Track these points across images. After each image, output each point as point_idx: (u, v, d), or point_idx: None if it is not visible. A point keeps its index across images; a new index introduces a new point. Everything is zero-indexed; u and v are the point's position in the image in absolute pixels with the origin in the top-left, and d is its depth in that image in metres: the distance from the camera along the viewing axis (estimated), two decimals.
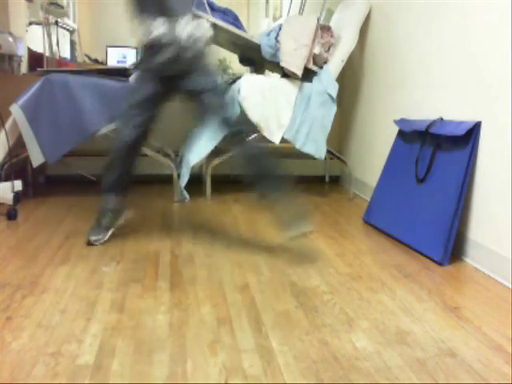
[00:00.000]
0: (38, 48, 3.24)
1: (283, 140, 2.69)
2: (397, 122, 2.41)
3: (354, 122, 3.15)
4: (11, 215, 2.22)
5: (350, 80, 3.18)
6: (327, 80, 2.71)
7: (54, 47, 3.32)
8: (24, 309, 1.35)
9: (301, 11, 3.19)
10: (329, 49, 2.77)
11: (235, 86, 2.65)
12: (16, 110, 2.35)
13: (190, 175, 2.63)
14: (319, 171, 3.41)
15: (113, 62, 4.29)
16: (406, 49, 2.45)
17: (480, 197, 1.86)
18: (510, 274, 1.66)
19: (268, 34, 2.77)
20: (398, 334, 1.30)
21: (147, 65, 1.88)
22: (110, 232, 1.99)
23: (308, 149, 2.71)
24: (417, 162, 2.15)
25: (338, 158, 3.08)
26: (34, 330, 1.24)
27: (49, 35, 3.20)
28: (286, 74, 2.75)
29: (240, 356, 1.16)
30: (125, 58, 4.33)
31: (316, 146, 2.71)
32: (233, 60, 3.49)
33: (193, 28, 1.80)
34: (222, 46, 3.21)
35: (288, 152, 2.82)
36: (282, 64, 2.65)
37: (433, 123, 2.08)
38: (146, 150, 2.50)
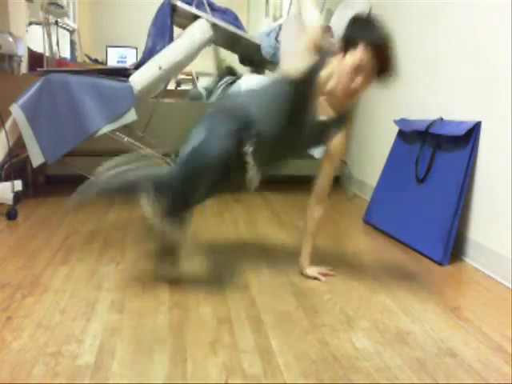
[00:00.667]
0: (38, 48, 3.24)
1: None
2: (397, 122, 2.41)
3: (354, 122, 3.14)
4: (11, 215, 2.22)
5: None
6: None
7: (54, 47, 3.32)
8: (24, 309, 1.35)
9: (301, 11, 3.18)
10: None
11: (235, 86, 2.65)
12: (16, 110, 2.34)
13: None
14: None
15: (113, 62, 4.30)
16: (406, 49, 2.44)
17: (480, 197, 1.85)
18: (510, 274, 1.66)
19: (268, 34, 2.77)
20: (397, 333, 1.30)
21: None
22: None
23: None
24: (417, 162, 2.15)
25: None
26: (34, 330, 1.24)
27: (49, 35, 3.20)
28: None
29: (240, 356, 1.16)
30: (125, 58, 4.34)
31: None
32: (233, 60, 3.49)
33: None
34: (221, 46, 3.21)
35: None
36: (282, 64, 2.65)
37: (433, 123, 2.08)
38: (143, 150, 2.50)
